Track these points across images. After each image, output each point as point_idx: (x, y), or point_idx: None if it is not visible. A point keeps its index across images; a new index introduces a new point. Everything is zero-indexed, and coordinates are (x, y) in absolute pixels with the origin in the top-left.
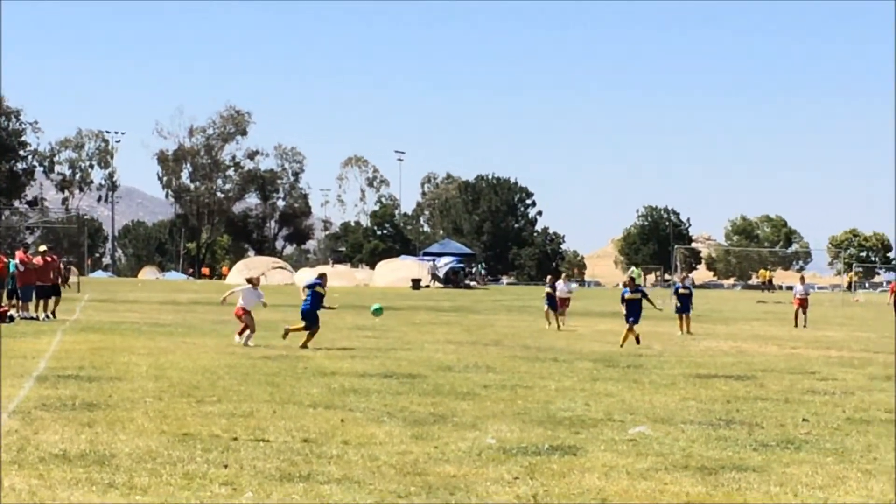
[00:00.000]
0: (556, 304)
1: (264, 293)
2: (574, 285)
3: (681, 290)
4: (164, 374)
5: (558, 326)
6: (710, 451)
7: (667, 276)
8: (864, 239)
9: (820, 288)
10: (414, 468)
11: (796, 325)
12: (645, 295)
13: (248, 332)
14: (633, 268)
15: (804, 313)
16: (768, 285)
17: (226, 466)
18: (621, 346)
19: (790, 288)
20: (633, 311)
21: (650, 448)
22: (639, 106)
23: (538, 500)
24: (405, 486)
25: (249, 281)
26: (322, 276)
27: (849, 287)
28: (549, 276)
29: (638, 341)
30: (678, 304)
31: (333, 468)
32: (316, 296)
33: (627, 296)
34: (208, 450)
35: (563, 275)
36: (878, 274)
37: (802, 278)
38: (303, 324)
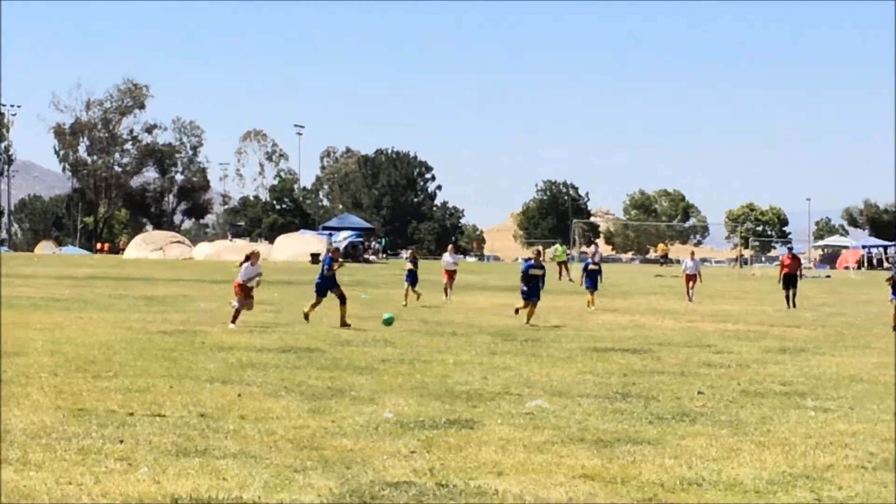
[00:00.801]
0: (416, 280)
1: (262, 270)
2: (459, 257)
3: (591, 267)
4: (59, 349)
5: (445, 296)
6: (606, 424)
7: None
8: (761, 213)
9: (717, 262)
10: (310, 442)
11: (690, 300)
12: (544, 273)
13: (239, 314)
14: (556, 245)
15: (693, 288)
16: (665, 259)
17: (121, 442)
18: (528, 322)
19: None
20: (535, 288)
21: (547, 421)
22: (537, 80)
23: (435, 474)
24: (301, 461)
25: (248, 258)
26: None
27: (736, 260)
28: (409, 250)
29: (529, 319)
30: (588, 280)
31: (230, 443)
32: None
33: (532, 271)
34: (104, 425)
35: (450, 246)
36: (774, 248)
37: (693, 254)
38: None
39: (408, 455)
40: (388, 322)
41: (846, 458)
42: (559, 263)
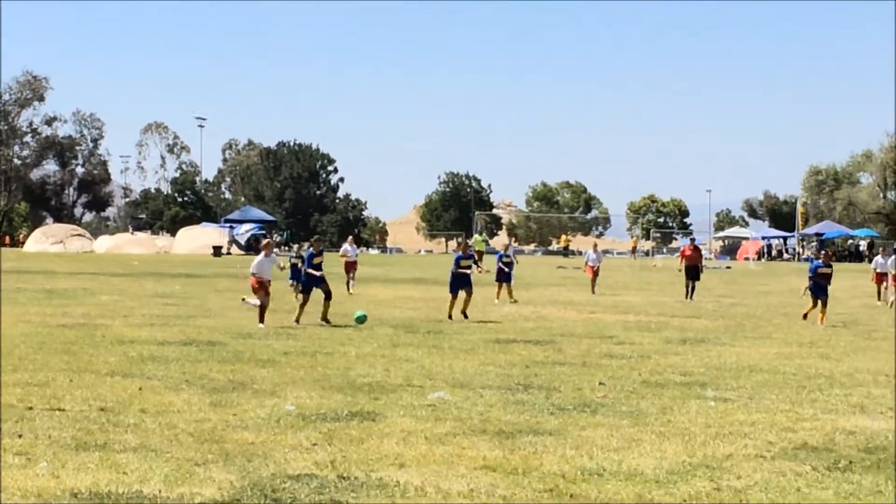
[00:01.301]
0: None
1: (276, 257)
2: (360, 249)
3: (504, 259)
4: None
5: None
6: (508, 416)
7: (469, 243)
8: (662, 205)
9: (619, 253)
10: (212, 435)
11: (594, 292)
12: (476, 262)
13: (265, 311)
14: (475, 235)
15: (594, 281)
16: (568, 251)
17: (20, 436)
18: (462, 313)
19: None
20: (467, 278)
21: (449, 413)
22: (439, 72)
23: (336, 466)
24: (202, 454)
25: (261, 249)
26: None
27: (634, 251)
28: (265, 241)
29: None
30: (502, 272)
31: (130, 436)
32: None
33: (462, 262)
34: (2, 420)
35: (350, 237)
36: (676, 239)
37: (595, 245)
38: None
39: (309, 448)
40: (361, 320)
41: (745, 448)
42: (478, 253)
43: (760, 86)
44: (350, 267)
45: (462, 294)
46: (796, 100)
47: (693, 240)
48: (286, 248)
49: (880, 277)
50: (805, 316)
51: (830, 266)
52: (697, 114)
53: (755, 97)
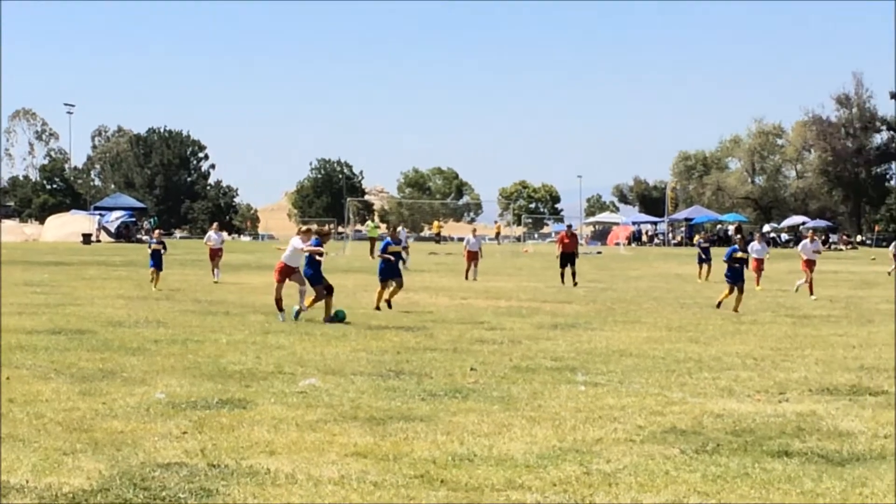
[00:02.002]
0: (160, 263)
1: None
2: (224, 234)
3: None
4: None
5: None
6: (379, 402)
7: (340, 229)
8: (533, 190)
9: (490, 239)
10: (80, 424)
11: (467, 278)
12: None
13: (303, 299)
14: (368, 221)
15: (475, 266)
16: (440, 237)
17: None
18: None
19: (461, 239)
20: (397, 268)
21: (320, 400)
22: (311, 58)
23: (206, 454)
24: (71, 443)
25: (303, 233)
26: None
27: (497, 237)
28: (156, 231)
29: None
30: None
31: None
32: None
33: (391, 248)
34: None
35: (215, 224)
36: (547, 225)
37: (475, 230)
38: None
39: (179, 436)
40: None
41: (615, 432)
42: (370, 239)
43: (630, 71)
44: (215, 254)
45: (392, 283)
46: (666, 86)
47: (570, 226)
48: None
49: (757, 263)
50: (719, 304)
51: (746, 251)
52: (568, 99)
53: (625, 83)
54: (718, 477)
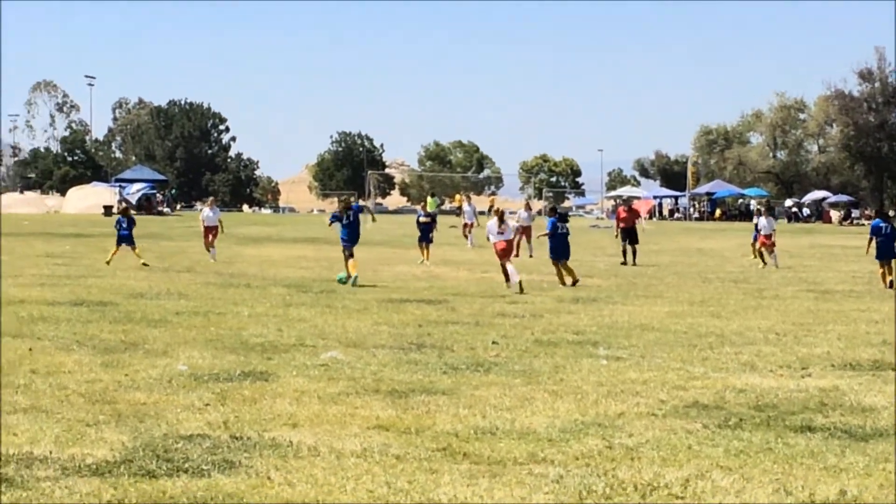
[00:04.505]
0: (130, 241)
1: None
2: (218, 210)
3: (422, 220)
4: None
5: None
6: (401, 375)
7: (361, 202)
8: (554, 164)
9: (511, 213)
10: (103, 396)
11: (518, 255)
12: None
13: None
14: (428, 197)
15: (528, 242)
16: (460, 210)
17: None
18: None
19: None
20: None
21: (342, 372)
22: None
23: (229, 426)
24: (94, 415)
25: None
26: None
27: (487, 210)
28: (124, 209)
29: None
30: (420, 234)
31: (20, 398)
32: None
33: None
34: None
35: (210, 199)
36: (568, 199)
37: (528, 204)
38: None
39: (202, 408)
40: (342, 281)
41: (637, 406)
42: (428, 214)
43: (652, 45)
44: (209, 232)
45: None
46: (687, 59)
47: (626, 200)
48: (174, 206)
49: (765, 239)
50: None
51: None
52: (589, 72)
53: (646, 56)
54: (741, 452)
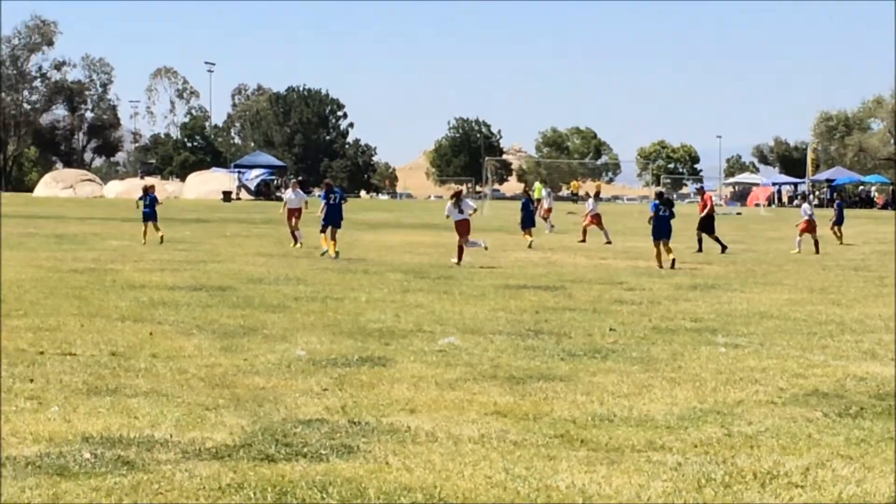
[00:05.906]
0: (153, 217)
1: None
2: (302, 193)
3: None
4: None
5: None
6: (519, 361)
7: (478, 188)
8: (672, 150)
9: (629, 199)
10: (222, 381)
11: (583, 240)
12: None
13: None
14: (536, 183)
15: (601, 228)
16: (578, 197)
17: (31, 381)
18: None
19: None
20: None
21: (459, 358)
22: (450, 16)
23: (347, 412)
24: (213, 399)
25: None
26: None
27: (572, 197)
28: (149, 186)
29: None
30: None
31: (141, 381)
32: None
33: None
34: (14, 364)
35: (293, 181)
36: (686, 185)
37: (595, 194)
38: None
39: (320, 393)
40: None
41: (756, 394)
42: (536, 201)
43: (771, 31)
44: (291, 215)
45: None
46: (807, 44)
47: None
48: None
49: (810, 225)
50: None
51: None
52: (707, 59)
53: (766, 42)
54: (862, 440)
